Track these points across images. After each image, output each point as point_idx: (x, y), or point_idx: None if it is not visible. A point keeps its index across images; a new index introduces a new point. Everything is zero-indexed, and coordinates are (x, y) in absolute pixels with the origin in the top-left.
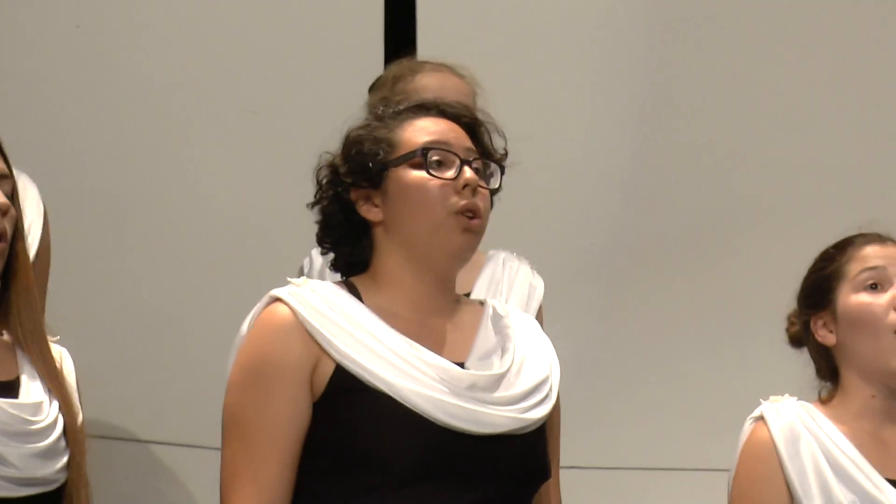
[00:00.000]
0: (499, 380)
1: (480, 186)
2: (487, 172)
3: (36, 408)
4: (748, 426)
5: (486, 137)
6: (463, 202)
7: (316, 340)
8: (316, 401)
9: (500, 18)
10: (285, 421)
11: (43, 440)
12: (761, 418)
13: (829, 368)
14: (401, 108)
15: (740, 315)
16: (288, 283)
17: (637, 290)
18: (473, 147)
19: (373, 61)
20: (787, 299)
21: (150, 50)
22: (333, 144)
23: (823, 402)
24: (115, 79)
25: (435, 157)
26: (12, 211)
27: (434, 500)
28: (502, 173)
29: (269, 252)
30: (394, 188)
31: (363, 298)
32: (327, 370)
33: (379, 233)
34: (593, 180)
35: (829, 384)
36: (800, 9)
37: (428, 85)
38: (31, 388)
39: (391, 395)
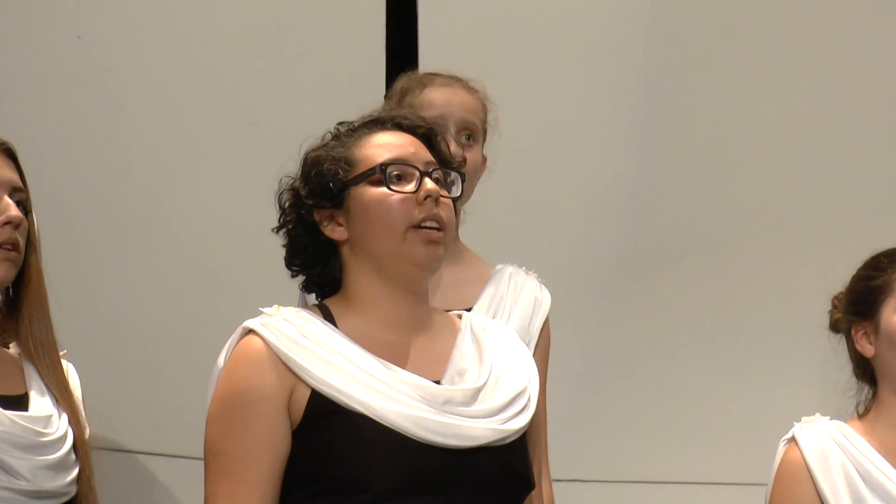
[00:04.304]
0: (475, 393)
1: (442, 196)
2: (448, 181)
3: (46, 421)
4: (781, 448)
5: (443, 146)
6: (423, 214)
7: (290, 369)
8: (295, 429)
9: (502, 30)
10: (263, 451)
11: (53, 453)
12: (793, 440)
13: (867, 375)
14: (356, 124)
15: (742, 327)
16: (260, 312)
17: (640, 303)
18: (432, 158)
19: (374, 73)
20: (788, 312)
21: (151, 60)
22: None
23: (861, 416)
24: (116, 89)
25: (394, 172)
26: (25, 223)
27: None
28: (463, 181)
29: (268, 265)
30: (355, 206)
31: (337, 323)
32: (303, 397)
33: (346, 251)
34: (596, 193)
35: (867, 394)
36: (807, 17)
37: (435, 100)
38: (41, 402)
39: (369, 415)
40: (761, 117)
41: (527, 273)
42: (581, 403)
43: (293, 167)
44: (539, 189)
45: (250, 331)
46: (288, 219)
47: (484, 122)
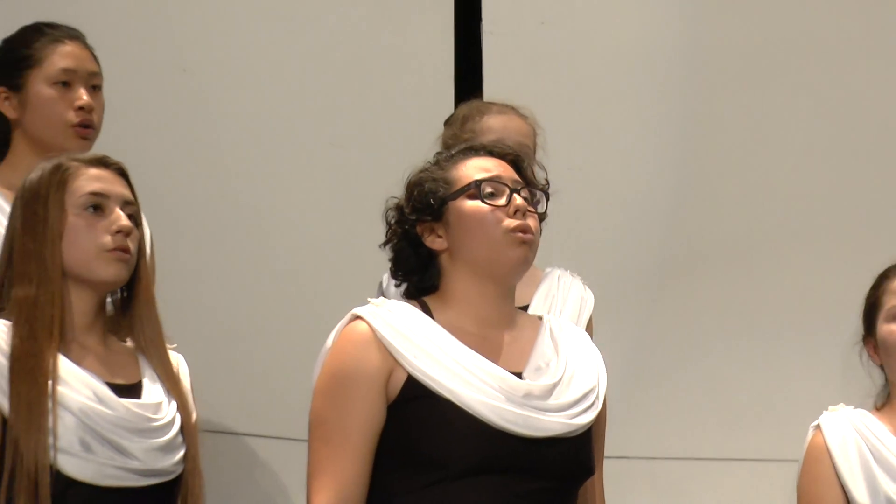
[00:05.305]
0: (552, 388)
1: (529, 210)
2: (534, 200)
3: (156, 407)
4: (810, 433)
5: (528, 171)
6: (516, 223)
7: (391, 353)
8: (389, 405)
9: (557, 64)
10: (362, 423)
11: (163, 436)
12: (818, 426)
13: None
14: (453, 152)
15: (768, 323)
16: (368, 302)
17: (678, 302)
18: (520, 179)
19: (444, 102)
20: (808, 311)
21: (248, 91)
22: (405, 176)
23: (878, 408)
24: (217, 116)
25: (488, 189)
26: (136, 232)
27: (488, 491)
28: (547, 200)
29: (349, 271)
30: (454, 218)
31: (434, 315)
32: (400, 379)
33: (445, 259)
34: (639, 205)
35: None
36: (833, 43)
37: (493, 125)
38: (152, 390)
39: (455, 401)
40: (787, 136)
41: (572, 275)
42: (625, 389)
43: (373, 183)
44: (590, 201)
45: (358, 317)
46: (394, 234)
47: (535, 144)
